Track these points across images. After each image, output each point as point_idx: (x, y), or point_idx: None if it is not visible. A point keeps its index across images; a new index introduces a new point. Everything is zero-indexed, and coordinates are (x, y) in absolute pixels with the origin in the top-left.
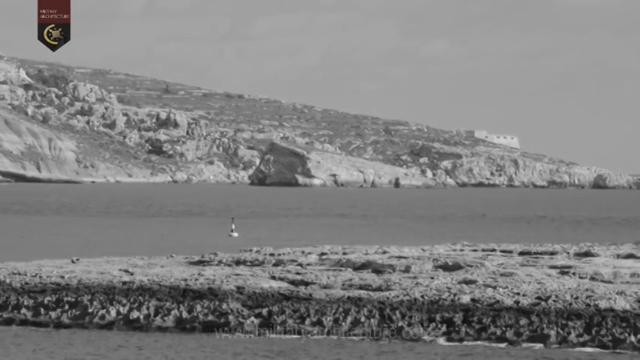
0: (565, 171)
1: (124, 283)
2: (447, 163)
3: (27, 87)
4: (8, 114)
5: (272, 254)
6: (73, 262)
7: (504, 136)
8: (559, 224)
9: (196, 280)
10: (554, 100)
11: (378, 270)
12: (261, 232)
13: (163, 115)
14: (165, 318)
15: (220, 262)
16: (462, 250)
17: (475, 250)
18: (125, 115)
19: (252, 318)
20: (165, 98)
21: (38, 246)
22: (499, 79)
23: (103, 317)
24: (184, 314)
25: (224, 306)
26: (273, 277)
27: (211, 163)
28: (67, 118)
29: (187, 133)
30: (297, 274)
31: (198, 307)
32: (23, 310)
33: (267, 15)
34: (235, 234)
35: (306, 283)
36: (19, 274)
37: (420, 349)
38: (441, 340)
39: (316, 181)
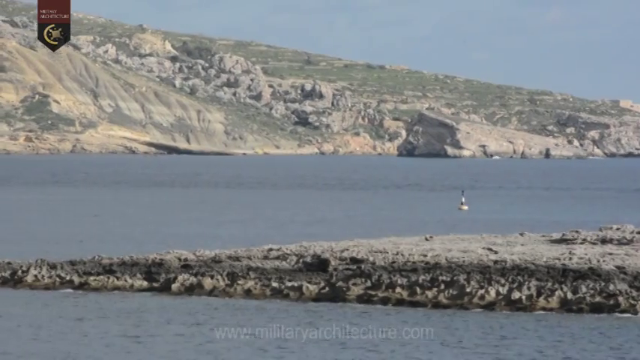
0: None
1: (496, 262)
2: (594, 133)
3: (173, 59)
4: (157, 86)
5: (639, 232)
6: (426, 239)
7: None
8: None
9: (570, 259)
10: None
11: None
12: (491, 206)
13: (308, 87)
14: (549, 299)
15: (584, 240)
16: None
17: None
18: (270, 86)
19: None
20: (307, 69)
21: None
22: (624, 47)
23: (482, 297)
24: (569, 295)
25: (611, 287)
26: None
27: (357, 134)
28: (213, 90)
29: (332, 104)
30: None
31: (583, 288)
32: (398, 290)
33: None
34: (465, 207)
35: None
36: (380, 252)
37: None
38: None
39: (465, 152)
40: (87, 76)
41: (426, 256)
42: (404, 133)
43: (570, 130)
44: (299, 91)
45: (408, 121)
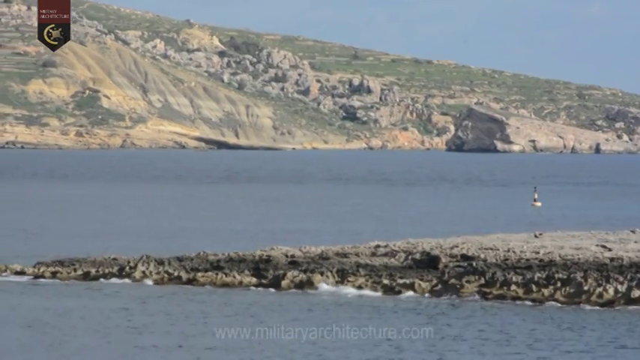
0: None
1: (612, 259)
2: None
3: (221, 54)
4: (206, 81)
5: None
6: (535, 236)
7: None
8: None
9: None
10: None
11: None
12: (563, 202)
13: (356, 82)
14: None
15: None
16: None
17: None
18: (318, 81)
19: None
20: (354, 64)
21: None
22: None
23: (600, 295)
24: None
25: None
26: None
27: (405, 129)
28: (261, 85)
29: (380, 99)
30: None
31: None
32: (513, 287)
33: None
34: (538, 203)
35: None
36: (491, 249)
37: None
38: None
39: (515, 147)
40: (136, 71)
41: (538, 253)
42: (452, 127)
43: (620, 124)
44: (347, 86)
45: (456, 115)
